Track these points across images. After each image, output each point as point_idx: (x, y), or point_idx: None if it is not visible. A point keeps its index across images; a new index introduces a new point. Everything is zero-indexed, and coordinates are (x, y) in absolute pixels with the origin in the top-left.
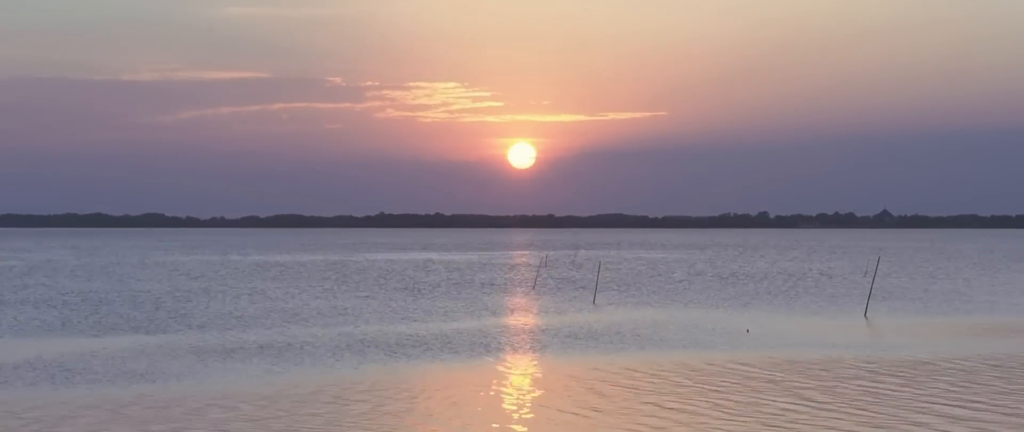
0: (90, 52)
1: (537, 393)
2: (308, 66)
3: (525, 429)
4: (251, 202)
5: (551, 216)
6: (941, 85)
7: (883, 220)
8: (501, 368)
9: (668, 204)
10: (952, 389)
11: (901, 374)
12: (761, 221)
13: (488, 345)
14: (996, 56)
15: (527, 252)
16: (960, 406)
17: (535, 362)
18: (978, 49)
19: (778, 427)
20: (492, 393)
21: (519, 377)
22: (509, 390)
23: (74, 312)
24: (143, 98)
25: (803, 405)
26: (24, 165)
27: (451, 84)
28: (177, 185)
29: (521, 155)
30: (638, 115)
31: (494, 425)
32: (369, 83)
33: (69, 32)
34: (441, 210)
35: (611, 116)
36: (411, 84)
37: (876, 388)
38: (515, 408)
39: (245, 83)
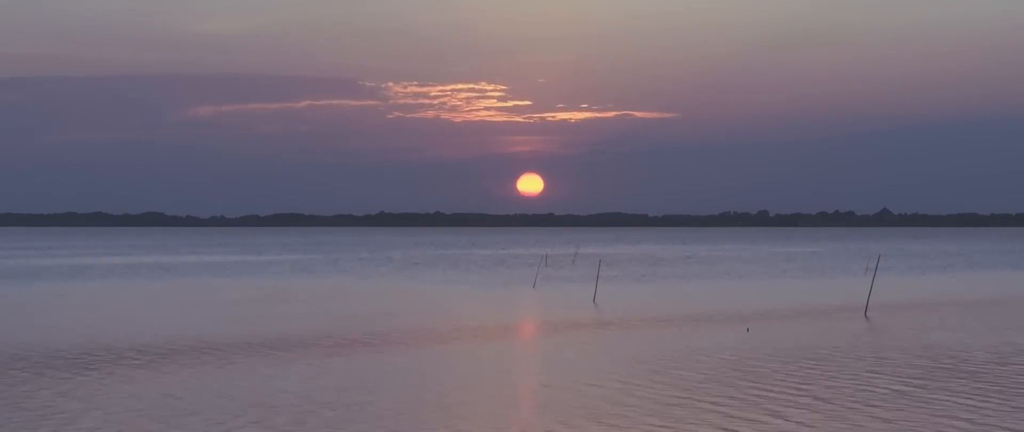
0: (100, 49)
1: (536, 391)
2: (336, 65)
3: (523, 426)
4: (251, 201)
5: (551, 215)
6: (941, 83)
7: (883, 219)
8: (499, 367)
9: (668, 203)
10: (953, 387)
11: (901, 372)
12: (761, 220)
13: (487, 343)
14: (997, 54)
15: (527, 250)
16: (961, 404)
17: (534, 360)
18: (979, 47)
19: (776, 426)
20: (491, 392)
21: (518, 376)
22: (508, 388)
23: None
24: (160, 95)
25: (802, 403)
26: (24, 164)
27: (471, 84)
28: (177, 184)
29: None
30: (647, 116)
31: (492, 423)
32: (385, 82)
33: (79, 29)
34: (441, 209)
35: (616, 116)
36: (429, 83)
37: (877, 386)
38: (513, 406)
39: (272, 80)
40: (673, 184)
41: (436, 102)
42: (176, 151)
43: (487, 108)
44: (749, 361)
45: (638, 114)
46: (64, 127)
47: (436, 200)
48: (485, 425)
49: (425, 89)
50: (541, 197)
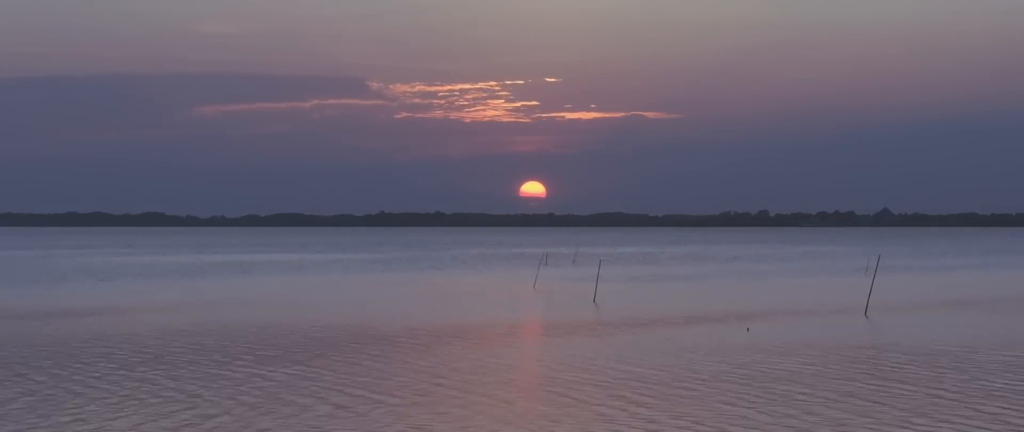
0: (102, 49)
1: (535, 392)
2: (344, 65)
3: (522, 426)
4: (252, 201)
5: (551, 215)
6: (942, 83)
7: (883, 219)
8: (498, 367)
9: (668, 203)
10: (954, 387)
11: (901, 371)
12: (761, 220)
13: (485, 344)
14: (997, 53)
15: (527, 250)
16: (962, 404)
17: (533, 361)
18: (979, 47)
19: (776, 425)
20: (489, 392)
21: (517, 376)
22: (506, 389)
23: None
24: (164, 95)
25: (802, 403)
26: (24, 164)
27: (479, 84)
28: (177, 184)
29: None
30: (656, 116)
31: (491, 423)
32: (392, 82)
33: (84, 29)
34: (442, 209)
35: (625, 116)
36: (437, 83)
37: (877, 386)
38: (512, 406)
39: (279, 80)
40: (674, 184)
41: (444, 102)
42: (177, 151)
43: (495, 108)
44: (749, 361)
45: (648, 114)
46: (64, 127)
47: (438, 200)
48: (484, 425)
49: (433, 89)
50: (543, 197)
